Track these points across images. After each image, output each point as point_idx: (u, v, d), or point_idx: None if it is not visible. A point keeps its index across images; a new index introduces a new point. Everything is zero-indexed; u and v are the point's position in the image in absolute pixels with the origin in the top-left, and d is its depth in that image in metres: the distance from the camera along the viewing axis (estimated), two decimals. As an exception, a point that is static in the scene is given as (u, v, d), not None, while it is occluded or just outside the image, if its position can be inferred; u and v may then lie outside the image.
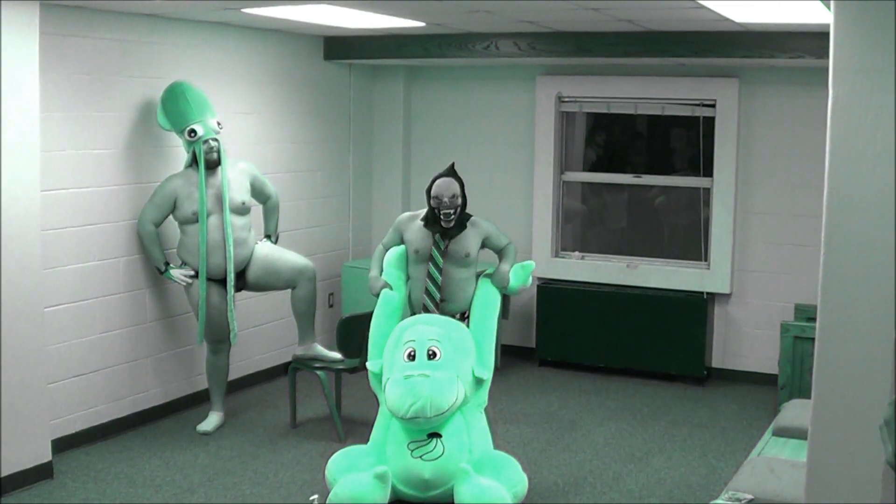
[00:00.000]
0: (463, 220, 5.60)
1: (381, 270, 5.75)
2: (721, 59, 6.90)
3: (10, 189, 5.26)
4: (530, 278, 5.88)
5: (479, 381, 5.36)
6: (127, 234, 6.36)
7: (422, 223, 5.62)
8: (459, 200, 5.54)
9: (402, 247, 5.75)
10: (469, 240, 5.62)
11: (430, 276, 5.57)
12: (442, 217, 5.51)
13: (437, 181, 5.53)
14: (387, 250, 5.82)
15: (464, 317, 5.64)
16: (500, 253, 5.77)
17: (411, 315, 5.64)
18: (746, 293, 7.84)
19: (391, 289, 5.63)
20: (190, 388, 6.96)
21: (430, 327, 5.32)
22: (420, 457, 5.13)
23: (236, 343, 6.54)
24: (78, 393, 6.11)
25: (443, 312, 5.55)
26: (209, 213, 6.24)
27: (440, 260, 5.56)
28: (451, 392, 5.09)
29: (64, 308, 5.98)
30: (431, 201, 5.53)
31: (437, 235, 5.56)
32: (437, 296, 5.56)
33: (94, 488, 5.52)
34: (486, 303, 5.62)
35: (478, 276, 5.76)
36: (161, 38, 6.49)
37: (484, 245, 5.74)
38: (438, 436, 5.15)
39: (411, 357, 5.20)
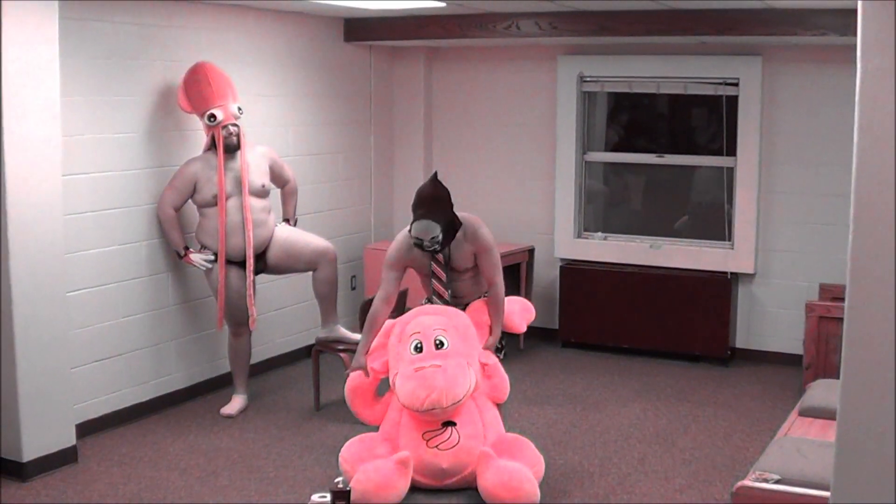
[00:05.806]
0: (455, 231, 5.38)
1: (370, 341, 5.42)
2: (744, 38, 6.83)
3: (31, 174, 5.26)
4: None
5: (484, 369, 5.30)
6: (148, 218, 6.37)
7: (418, 248, 5.34)
8: (441, 238, 5.26)
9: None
10: (464, 256, 5.42)
11: (436, 293, 5.49)
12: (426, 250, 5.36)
13: (416, 224, 5.22)
14: (388, 303, 5.43)
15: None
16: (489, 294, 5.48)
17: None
18: (770, 273, 7.78)
19: (367, 375, 5.35)
20: (213, 372, 6.97)
21: (434, 317, 5.27)
22: (436, 447, 5.10)
23: (255, 328, 6.53)
24: (101, 377, 6.14)
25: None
26: (228, 196, 6.24)
27: (444, 273, 5.45)
28: (465, 379, 5.04)
29: (86, 293, 5.99)
30: (414, 240, 5.30)
31: (431, 255, 5.41)
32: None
33: (119, 472, 5.55)
34: None
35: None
36: (181, 21, 6.48)
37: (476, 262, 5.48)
38: (453, 424, 5.13)
39: (418, 349, 5.15)
